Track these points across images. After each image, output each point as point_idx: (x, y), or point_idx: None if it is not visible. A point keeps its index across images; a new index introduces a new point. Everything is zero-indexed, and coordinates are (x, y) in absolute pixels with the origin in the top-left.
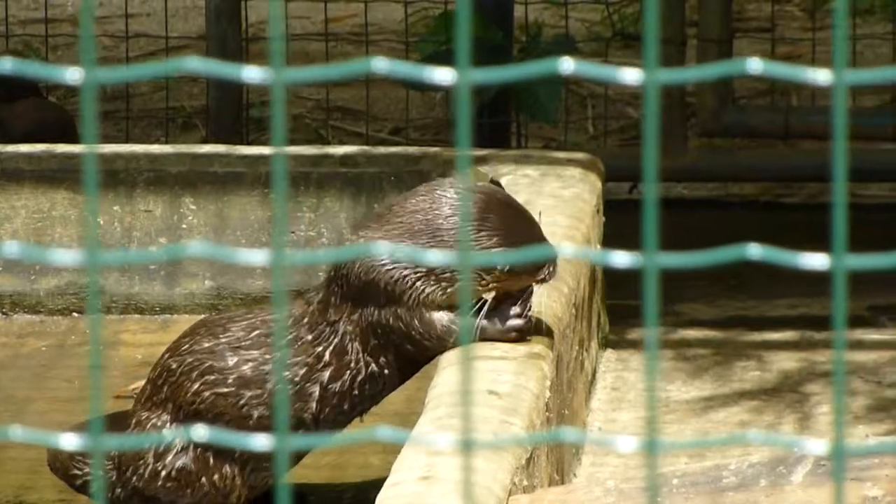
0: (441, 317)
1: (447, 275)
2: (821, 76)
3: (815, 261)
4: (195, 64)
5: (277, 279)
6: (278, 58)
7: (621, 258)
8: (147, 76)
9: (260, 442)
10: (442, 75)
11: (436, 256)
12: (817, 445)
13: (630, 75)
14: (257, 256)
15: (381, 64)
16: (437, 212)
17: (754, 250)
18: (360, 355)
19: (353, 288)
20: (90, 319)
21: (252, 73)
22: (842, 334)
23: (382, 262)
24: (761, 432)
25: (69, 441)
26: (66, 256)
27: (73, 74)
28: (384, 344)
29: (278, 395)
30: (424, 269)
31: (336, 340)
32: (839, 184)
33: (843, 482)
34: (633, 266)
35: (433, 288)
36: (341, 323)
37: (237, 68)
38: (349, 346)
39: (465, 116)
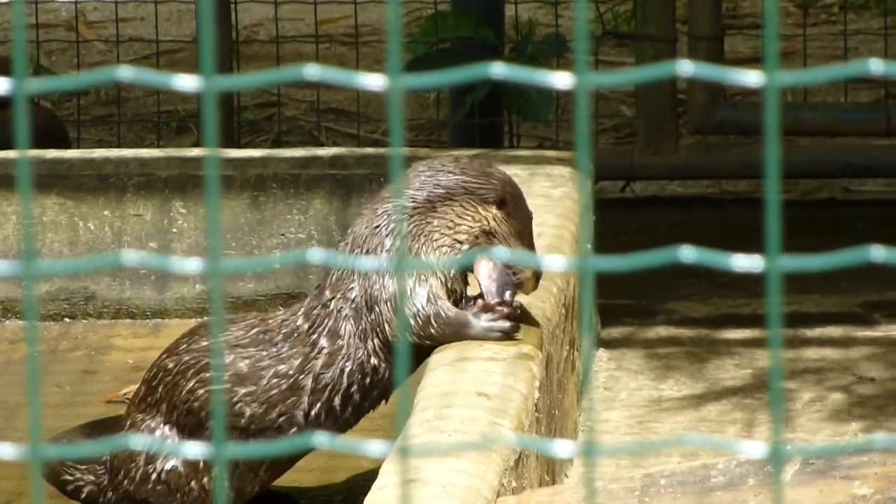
0: (436, 298)
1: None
2: (751, 78)
3: (749, 262)
4: (127, 73)
5: (214, 288)
6: (208, 66)
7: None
8: (85, 85)
9: (196, 449)
10: (373, 81)
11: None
12: (756, 448)
13: (561, 79)
14: (192, 265)
15: (313, 71)
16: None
17: (687, 252)
18: (352, 339)
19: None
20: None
21: (183, 82)
22: (778, 334)
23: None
24: (700, 435)
25: (6, 451)
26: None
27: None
28: (375, 323)
29: (215, 400)
30: (425, 245)
31: (330, 323)
32: (772, 183)
33: (782, 485)
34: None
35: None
36: (334, 301)
37: (167, 77)
38: (342, 326)
39: (396, 118)
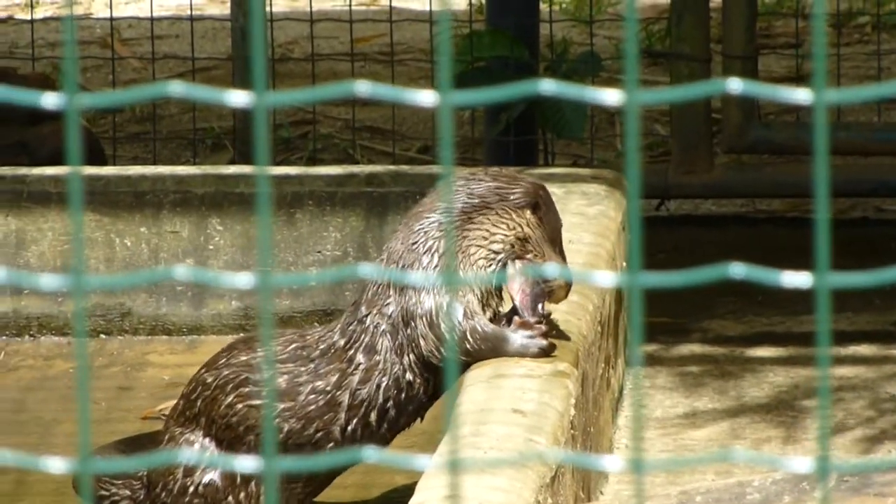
0: (472, 313)
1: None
2: (801, 95)
3: (798, 279)
4: (178, 88)
5: (265, 302)
6: (261, 81)
7: (604, 277)
8: (131, 101)
9: (248, 463)
10: (425, 97)
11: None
12: (802, 463)
13: (610, 96)
14: (241, 279)
15: (363, 87)
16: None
17: (737, 269)
18: (388, 354)
19: (388, 282)
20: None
21: (233, 97)
22: (825, 351)
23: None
24: (745, 450)
25: (56, 465)
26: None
27: (51, 99)
28: (411, 338)
29: (265, 416)
30: (462, 260)
31: (366, 339)
32: (821, 201)
33: (830, 500)
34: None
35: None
36: (370, 317)
37: (220, 93)
38: (378, 342)
39: (447, 134)
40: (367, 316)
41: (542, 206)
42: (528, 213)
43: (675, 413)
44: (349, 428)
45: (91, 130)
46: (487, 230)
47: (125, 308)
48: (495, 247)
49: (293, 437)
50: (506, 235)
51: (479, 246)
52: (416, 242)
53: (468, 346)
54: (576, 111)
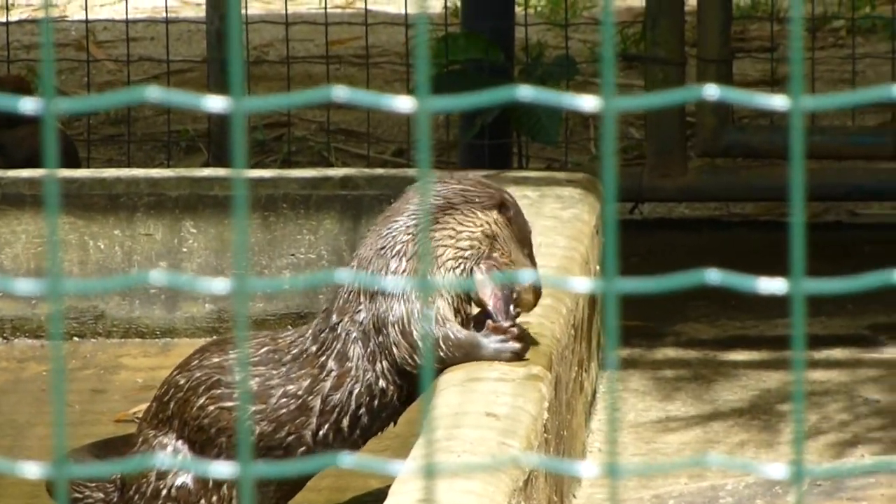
0: (444, 320)
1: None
2: (777, 102)
3: (773, 285)
4: (155, 93)
5: (240, 307)
6: (238, 86)
7: (582, 284)
8: (108, 105)
9: (223, 469)
10: (402, 103)
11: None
12: (776, 469)
13: (587, 102)
14: (216, 285)
15: (340, 92)
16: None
17: (713, 275)
18: (360, 361)
19: (358, 289)
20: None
21: (213, 102)
22: (801, 356)
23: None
24: (719, 455)
25: (31, 470)
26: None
27: (28, 104)
28: (383, 346)
29: (240, 424)
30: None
31: (338, 346)
32: (797, 206)
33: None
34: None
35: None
36: (342, 324)
37: (197, 98)
38: (350, 349)
39: (425, 140)
40: (338, 323)
41: (509, 208)
42: (494, 213)
43: (648, 417)
44: (321, 433)
45: (66, 133)
46: (454, 228)
47: (98, 311)
48: (463, 244)
49: (264, 440)
50: (472, 233)
51: (445, 246)
52: (384, 248)
53: (441, 353)
54: (551, 116)
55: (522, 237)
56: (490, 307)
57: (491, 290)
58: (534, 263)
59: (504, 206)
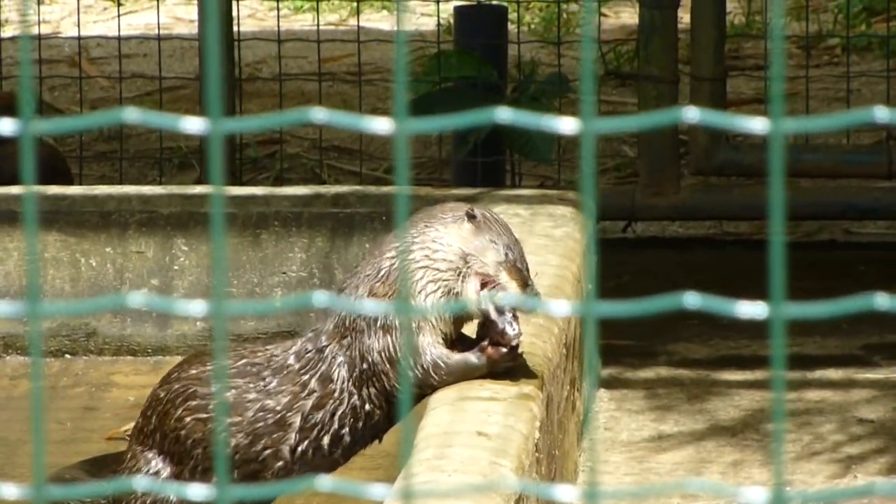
0: (430, 348)
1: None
2: (758, 125)
3: (753, 309)
4: (134, 114)
5: (218, 328)
6: (216, 108)
7: (563, 307)
8: (88, 126)
9: (198, 491)
10: (381, 125)
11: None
12: (757, 494)
13: (566, 124)
14: (197, 307)
15: (320, 114)
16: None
17: (692, 299)
18: (346, 384)
19: (346, 315)
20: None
21: (189, 124)
22: (780, 378)
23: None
24: (701, 480)
25: (10, 491)
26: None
27: (7, 124)
28: (370, 373)
29: (217, 443)
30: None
31: (323, 367)
32: (776, 227)
33: None
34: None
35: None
36: (329, 348)
37: (175, 119)
38: (335, 373)
39: (403, 161)
40: (326, 346)
41: (477, 216)
42: (465, 224)
43: (641, 436)
44: (300, 448)
45: (57, 149)
46: (429, 247)
47: (90, 328)
48: (440, 265)
49: (241, 453)
50: (446, 252)
51: (423, 268)
52: (368, 275)
53: (433, 381)
54: (543, 134)
55: (495, 246)
56: (492, 323)
57: (493, 311)
58: (518, 269)
59: (472, 216)
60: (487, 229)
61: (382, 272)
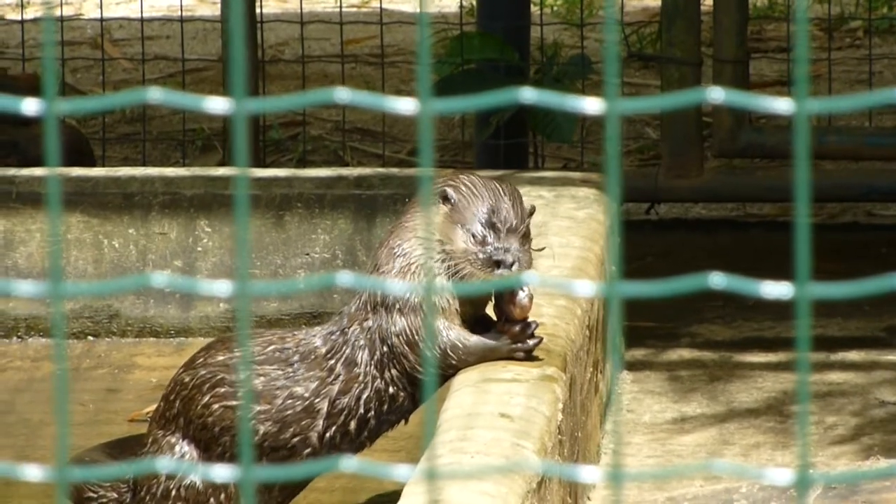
0: (447, 330)
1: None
2: (782, 105)
3: (778, 289)
4: (157, 94)
5: (242, 309)
6: (240, 89)
7: (585, 288)
8: (111, 106)
9: (223, 472)
10: (405, 105)
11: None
12: (782, 475)
13: (591, 105)
14: (221, 287)
15: (343, 94)
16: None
17: (717, 279)
18: (368, 367)
19: (370, 295)
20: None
21: (213, 104)
22: (805, 359)
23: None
24: (724, 462)
25: (33, 473)
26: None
27: (31, 105)
28: (390, 355)
29: (242, 423)
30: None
31: (347, 351)
32: (801, 208)
33: None
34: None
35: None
36: (352, 330)
37: (199, 99)
38: (358, 356)
39: (427, 142)
40: (348, 328)
41: (451, 196)
42: (441, 207)
43: (663, 418)
44: (327, 435)
45: (80, 131)
46: (416, 234)
47: (113, 310)
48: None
49: (269, 440)
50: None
51: (422, 251)
52: (388, 258)
53: (453, 361)
54: (566, 116)
55: (469, 219)
56: (507, 308)
57: (510, 293)
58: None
59: (446, 197)
60: (464, 208)
61: (400, 259)
